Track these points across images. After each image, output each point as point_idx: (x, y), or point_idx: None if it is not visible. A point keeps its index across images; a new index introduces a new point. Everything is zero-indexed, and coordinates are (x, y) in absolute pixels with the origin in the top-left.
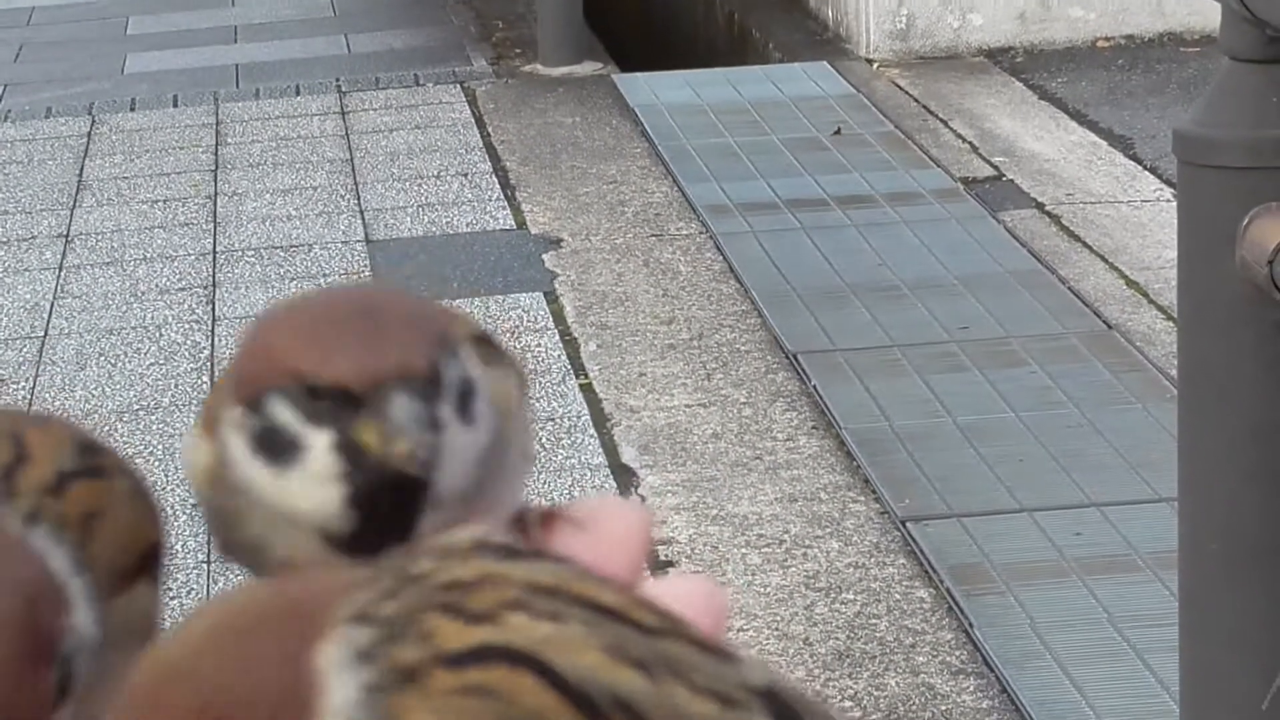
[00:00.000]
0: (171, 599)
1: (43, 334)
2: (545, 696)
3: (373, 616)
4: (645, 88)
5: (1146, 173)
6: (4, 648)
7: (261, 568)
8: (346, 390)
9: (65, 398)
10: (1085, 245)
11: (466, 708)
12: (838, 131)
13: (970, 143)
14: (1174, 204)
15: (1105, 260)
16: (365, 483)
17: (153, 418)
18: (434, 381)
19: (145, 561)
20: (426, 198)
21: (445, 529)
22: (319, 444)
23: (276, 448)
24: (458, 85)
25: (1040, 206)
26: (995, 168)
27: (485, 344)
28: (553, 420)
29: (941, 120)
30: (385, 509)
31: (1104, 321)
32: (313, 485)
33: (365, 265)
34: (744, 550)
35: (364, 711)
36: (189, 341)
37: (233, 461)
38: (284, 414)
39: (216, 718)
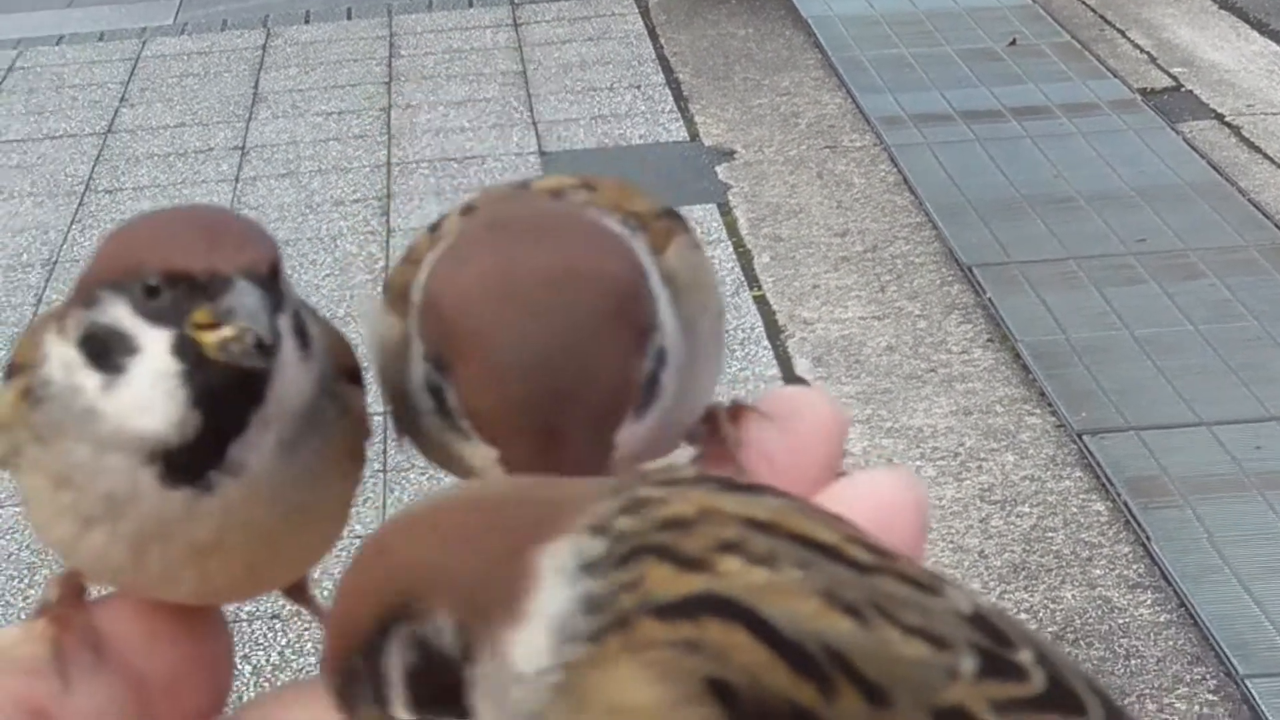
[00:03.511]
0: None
1: None
2: (758, 652)
3: (608, 529)
4: None
5: None
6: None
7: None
8: (187, 278)
9: None
10: (1266, 156)
11: (674, 662)
12: (1013, 42)
13: (1148, 53)
14: None
15: None
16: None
17: None
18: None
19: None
20: (599, 110)
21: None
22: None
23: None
24: None
25: (1220, 117)
26: (1174, 78)
27: (671, 219)
28: (726, 332)
29: (1119, 30)
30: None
31: None
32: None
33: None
34: (919, 463)
35: (573, 632)
36: (364, 253)
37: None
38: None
39: (401, 590)
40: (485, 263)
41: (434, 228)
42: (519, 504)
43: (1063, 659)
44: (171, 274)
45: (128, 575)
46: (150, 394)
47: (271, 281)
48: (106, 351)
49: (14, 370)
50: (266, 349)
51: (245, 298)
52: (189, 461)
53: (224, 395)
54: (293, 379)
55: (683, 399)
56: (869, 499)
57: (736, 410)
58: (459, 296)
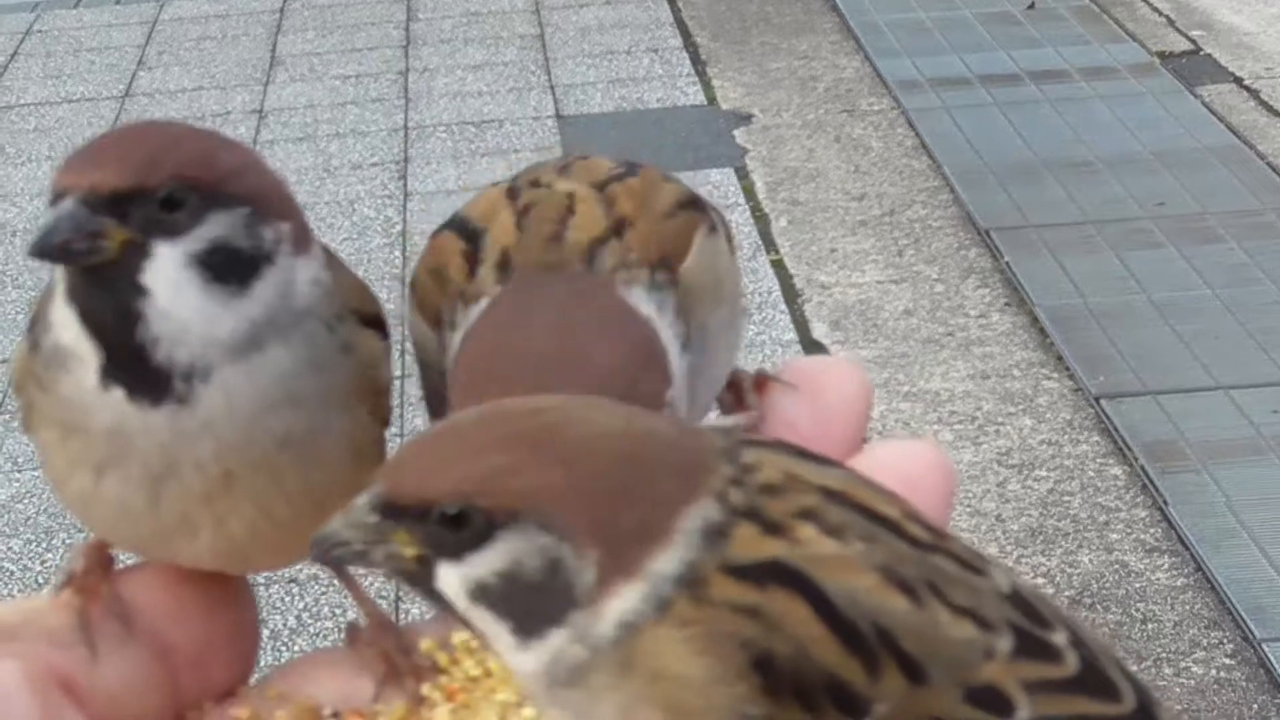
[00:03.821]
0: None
1: None
2: (814, 626)
3: (725, 498)
4: None
5: None
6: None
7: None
8: (53, 190)
9: None
10: None
11: (733, 625)
12: (1031, 5)
13: (1167, 16)
14: None
15: None
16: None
17: None
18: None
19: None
20: (617, 74)
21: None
22: None
23: None
24: None
25: (1238, 81)
26: (1193, 41)
27: (693, 205)
28: (743, 296)
29: None
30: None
31: None
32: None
33: (556, 141)
34: (936, 427)
35: (659, 598)
36: (381, 216)
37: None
38: None
39: (557, 498)
40: (501, 361)
41: (468, 237)
42: (666, 449)
43: (1097, 642)
44: (52, 186)
45: (146, 526)
46: (62, 306)
47: (118, 205)
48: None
49: (31, 324)
50: (54, 253)
51: (53, 212)
52: (127, 374)
53: (95, 306)
54: (185, 301)
55: (694, 399)
56: (897, 468)
57: (761, 380)
58: (473, 387)
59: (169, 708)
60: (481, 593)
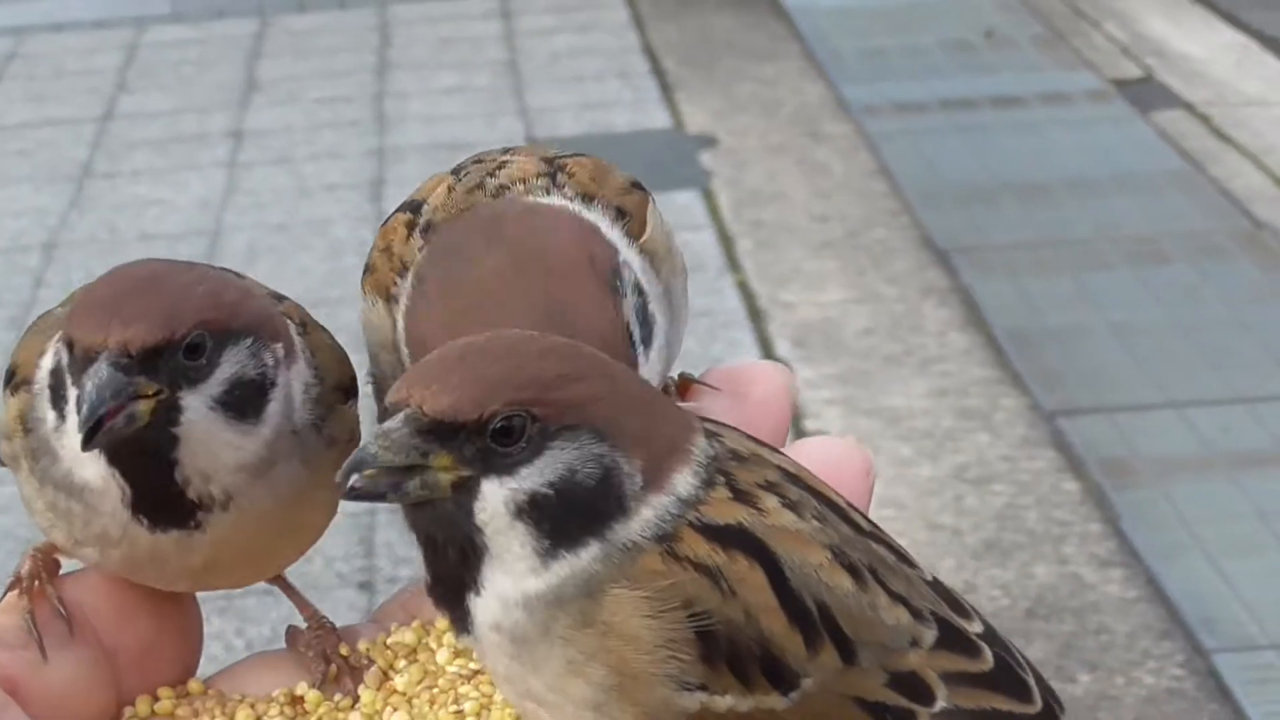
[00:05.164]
0: None
1: (214, 229)
2: (766, 596)
3: (710, 443)
4: None
5: None
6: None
7: None
8: (82, 348)
9: None
10: (1234, 145)
11: (692, 588)
12: (990, 33)
13: (1121, 44)
14: None
15: (1255, 160)
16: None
17: (320, 312)
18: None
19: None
20: (587, 98)
21: None
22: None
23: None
24: None
25: (1190, 108)
26: (1146, 69)
27: (640, 187)
28: (708, 315)
29: (1092, 22)
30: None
31: (1253, 220)
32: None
33: None
34: (895, 443)
35: (662, 519)
36: (355, 237)
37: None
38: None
39: (608, 415)
40: (442, 327)
41: (413, 210)
42: (667, 398)
43: (1005, 638)
44: (72, 341)
45: (127, 571)
46: (78, 446)
47: (148, 360)
48: (58, 395)
49: (14, 382)
50: (100, 426)
51: (94, 378)
52: (158, 510)
53: (124, 454)
54: (216, 441)
55: (669, 353)
56: (818, 464)
57: (685, 384)
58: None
59: (111, 708)
60: (528, 508)
